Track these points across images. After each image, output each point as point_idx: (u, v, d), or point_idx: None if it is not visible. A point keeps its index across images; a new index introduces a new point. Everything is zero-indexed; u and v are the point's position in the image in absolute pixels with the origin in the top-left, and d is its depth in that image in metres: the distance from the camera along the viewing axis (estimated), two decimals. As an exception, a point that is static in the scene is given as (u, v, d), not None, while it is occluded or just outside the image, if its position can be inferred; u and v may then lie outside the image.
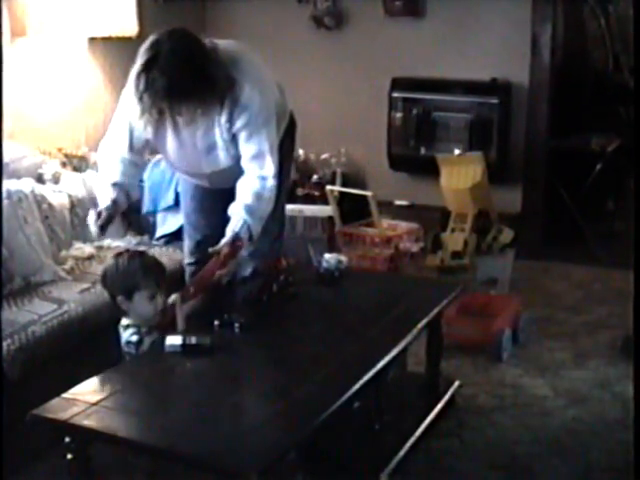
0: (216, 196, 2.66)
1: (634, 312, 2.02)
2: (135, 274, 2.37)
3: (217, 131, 2.45)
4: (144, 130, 2.39)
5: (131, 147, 2.50)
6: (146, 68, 2.22)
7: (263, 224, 2.51)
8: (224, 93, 2.35)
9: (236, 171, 2.54)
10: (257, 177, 2.48)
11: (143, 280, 2.36)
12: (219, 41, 2.44)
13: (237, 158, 2.53)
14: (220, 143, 2.49)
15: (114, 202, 2.45)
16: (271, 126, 2.49)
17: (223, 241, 2.41)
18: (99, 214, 2.42)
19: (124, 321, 2.38)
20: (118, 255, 2.46)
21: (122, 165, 2.51)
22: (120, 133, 2.51)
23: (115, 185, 2.48)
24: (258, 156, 2.47)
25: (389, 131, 4.51)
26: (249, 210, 2.45)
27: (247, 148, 2.47)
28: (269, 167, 2.48)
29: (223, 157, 2.52)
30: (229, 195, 2.51)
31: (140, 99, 2.24)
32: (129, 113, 2.39)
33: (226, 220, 2.47)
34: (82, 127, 3.84)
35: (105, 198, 2.46)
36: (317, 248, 3.73)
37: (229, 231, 2.43)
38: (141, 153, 2.57)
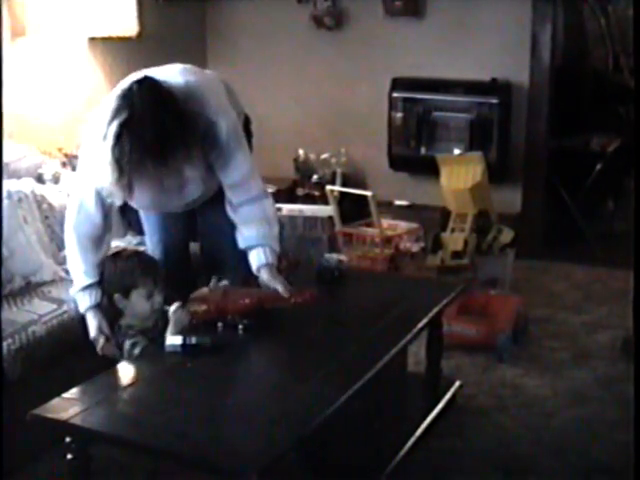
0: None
1: (634, 312, 2.02)
2: (133, 272, 2.37)
3: (187, 168, 2.26)
4: (117, 195, 2.22)
5: (104, 214, 2.37)
6: (122, 133, 2.04)
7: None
8: (198, 133, 2.21)
9: (209, 191, 2.49)
10: (249, 201, 2.40)
11: (140, 278, 2.36)
12: (162, 75, 2.28)
13: (208, 185, 2.45)
14: (193, 177, 2.36)
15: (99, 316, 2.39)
16: (244, 147, 2.39)
17: (268, 282, 2.34)
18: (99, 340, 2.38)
19: (122, 321, 2.39)
20: (115, 254, 2.46)
21: (96, 253, 2.40)
22: (89, 203, 2.34)
23: (92, 286, 2.39)
24: (242, 181, 2.38)
25: (389, 131, 4.51)
26: (263, 237, 2.39)
27: (228, 176, 2.37)
28: (256, 186, 2.42)
29: (195, 189, 2.43)
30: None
31: (121, 163, 2.05)
32: (95, 177, 2.22)
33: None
34: (82, 127, 3.84)
35: (90, 321, 2.40)
36: (317, 248, 3.75)
37: (258, 269, 2.37)
38: (110, 211, 2.42)
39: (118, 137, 2.05)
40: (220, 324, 2.29)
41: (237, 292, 2.36)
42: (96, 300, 2.41)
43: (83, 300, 2.42)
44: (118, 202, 2.34)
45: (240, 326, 2.27)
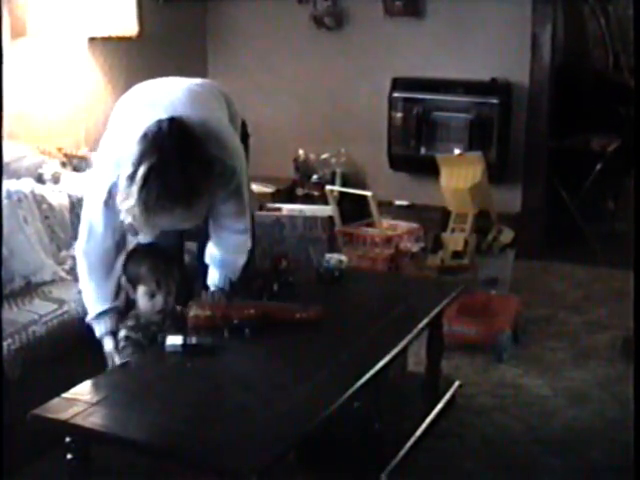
0: None
1: (634, 312, 2.02)
2: (139, 268, 2.40)
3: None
4: (146, 233, 2.27)
5: (113, 232, 2.36)
6: (150, 177, 2.05)
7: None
8: (218, 178, 2.24)
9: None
10: (236, 232, 2.47)
11: (145, 277, 2.39)
12: (180, 109, 2.26)
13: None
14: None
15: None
16: (245, 182, 2.42)
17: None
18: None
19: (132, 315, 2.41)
20: (134, 248, 2.47)
21: (108, 278, 2.41)
22: (97, 225, 2.34)
23: (107, 312, 2.42)
24: (238, 213, 2.44)
25: (389, 131, 4.51)
26: (232, 265, 2.50)
27: (227, 208, 2.40)
28: (247, 221, 2.48)
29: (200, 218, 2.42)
30: None
31: (147, 205, 2.06)
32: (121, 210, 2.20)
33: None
34: (82, 127, 3.84)
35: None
36: (317, 248, 3.75)
37: (213, 286, 2.49)
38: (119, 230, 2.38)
39: (145, 181, 2.06)
40: (226, 329, 2.28)
41: (241, 302, 2.37)
42: (112, 327, 2.42)
43: (98, 327, 2.44)
44: (144, 240, 2.38)
45: (246, 329, 2.27)
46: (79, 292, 2.73)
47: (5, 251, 2.69)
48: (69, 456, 1.90)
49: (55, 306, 2.62)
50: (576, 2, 4.96)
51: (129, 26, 3.94)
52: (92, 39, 3.82)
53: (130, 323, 2.41)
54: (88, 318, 2.46)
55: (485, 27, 4.34)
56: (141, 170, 2.06)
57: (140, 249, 2.47)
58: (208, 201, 2.19)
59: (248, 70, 4.76)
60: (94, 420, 1.87)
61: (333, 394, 1.97)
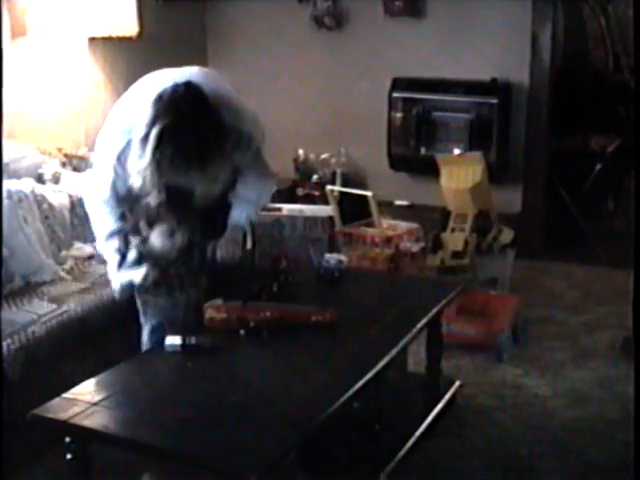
0: None
1: (634, 312, 2.02)
2: (159, 206, 2.33)
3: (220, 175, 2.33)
4: (153, 196, 2.26)
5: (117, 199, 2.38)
6: (164, 137, 2.07)
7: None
8: (233, 143, 2.26)
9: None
10: (261, 177, 2.50)
11: (166, 215, 2.34)
12: (196, 80, 2.27)
13: (220, 186, 2.45)
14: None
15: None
16: (261, 145, 2.47)
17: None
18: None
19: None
20: None
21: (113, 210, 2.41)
22: (105, 188, 2.36)
23: (118, 232, 2.42)
24: (261, 175, 2.49)
25: (389, 131, 4.51)
26: (254, 203, 2.51)
27: (247, 176, 2.45)
28: (270, 172, 2.54)
29: (217, 187, 2.43)
30: None
31: (160, 165, 2.09)
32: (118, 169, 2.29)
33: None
34: (82, 127, 3.84)
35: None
36: (317, 248, 3.74)
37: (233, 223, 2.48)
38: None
39: (159, 141, 2.07)
40: (243, 331, 2.28)
41: (257, 305, 2.37)
42: (121, 245, 2.40)
43: (109, 246, 2.41)
44: (153, 202, 2.33)
45: (264, 331, 2.27)
46: (79, 292, 2.75)
47: (5, 251, 2.69)
48: (69, 456, 1.90)
49: (54, 306, 2.62)
50: (576, 2, 4.96)
51: (129, 26, 3.94)
52: (92, 39, 3.82)
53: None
54: (100, 240, 2.43)
55: (485, 27, 4.33)
56: (155, 130, 2.07)
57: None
58: (222, 165, 2.20)
59: (248, 70, 4.76)
60: (94, 420, 1.87)
61: (333, 394, 1.97)
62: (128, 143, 2.21)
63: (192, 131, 2.09)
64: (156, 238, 2.39)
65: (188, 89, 2.15)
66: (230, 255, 2.50)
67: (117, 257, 2.40)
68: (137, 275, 2.38)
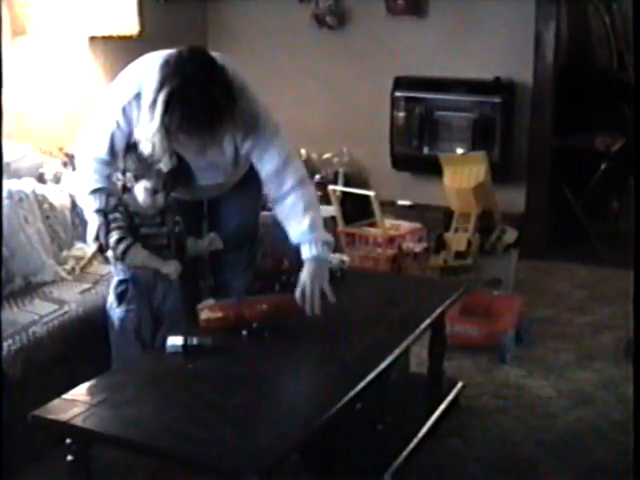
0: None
1: (634, 312, 2.00)
2: (149, 167, 2.34)
3: (220, 151, 2.36)
4: (165, 161, 2.28)
5: (111, 153, 2.42)
6: (172, 100, 2.07)
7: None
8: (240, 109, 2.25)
9: (224, 186, 2.54)
10: (284, 196, 2.38)
11: (152, 174, 2.35)
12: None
13: (228, 175, 2.50)
14: (222, 162, 2.43)
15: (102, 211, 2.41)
16: (280, 138, 2.40)
17: (302, 277, 2.32)
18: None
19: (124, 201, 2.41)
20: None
21: (102, 168, 2.44)
22: (102, 140, 2.40)
23: (101, 190, 2.43)
24: (276, 174, 2.38)
25: (392, 130, 4.50)
26: (314, 229, 2.36)
27: (263, 168, 2.39)
28: (291, 178, 2.37)
29: (216, 174, 2.48)
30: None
31: (170, 130, 2.10)
32: (119, 125, 2.32)
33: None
34: (83, 126, 3.83)
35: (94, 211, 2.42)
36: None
37: (309, 259, 2.36)
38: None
39: (167, 105, 2.07)
40: (244, 332, 2.27)
41: (251, 299, 2.36)
42: (101, 205, 2.41)
43: (90, 203, 2.42)
44: (165, 168, 2.33)
45: (266, 332, 2.26)
46: (80, 292, 2.74)
47: (6, 251, 2.68)
48: (69, 457, 1.89)
49: (55, 307, 2.61)
50: (580, 0, 4.95)
51: (130, 25, 3.94)
52: (93, 38, 3.81)
53: (120, 209, 2.40)
54: (81, 196, 2.45)
55: (488, 26, 4.32)
56: (162, 95, 2.07)
57: None
58: (231, 129, 2.20)
59: (249, 69, 4.71)
60: (94, 421, 1.85)
61: (336, 395, 1.95)
62: (134, 97, 2.23)
63: (200, 92, 2.08)
64: (139, 192, 2.39)
65: (194, 52, 2.16)
66: (312, 291, 2.34)
67: (97, 218, 2.40)
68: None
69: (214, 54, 2.30)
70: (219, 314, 2.29)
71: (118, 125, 2.34)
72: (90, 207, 2.44)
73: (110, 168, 2.45)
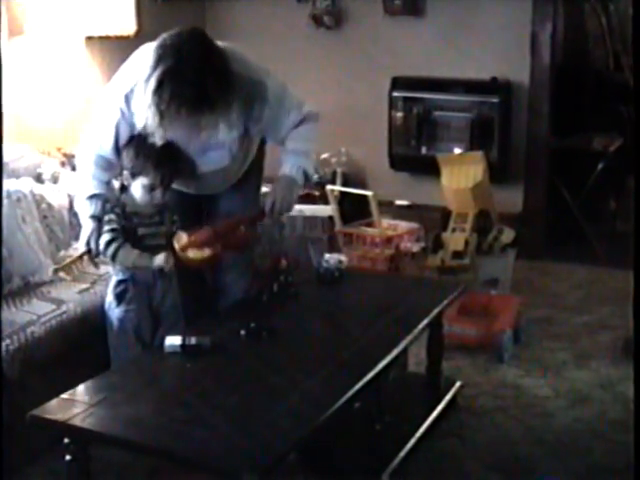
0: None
1: (634, 312, 2.00)
2: (146, 161, 2.37)
3: (223, 129, 2.37)
4: (157, 135, 2.31)
5: (116, 149, 2.44)
6: (164, 80, 2.11)
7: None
8: (238, 91, 2.28)
9: (229, 173, 2.54)
10: (301, 122, 2.54)
11: (149, 169, 2.37)
12: None
13: (234, 158, 2.52)
14: (225, 141, 2.45)
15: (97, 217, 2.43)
16: (292, 98, 2.52)
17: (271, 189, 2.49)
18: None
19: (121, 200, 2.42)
20: (140, 136, 2.40)
21: (102, 174, 2.47)
22: (107, 133, 2.42)
23: (97, 197, 2.45)
24: (296, 120, 2.53)
25: (389, 130, 4.50)
26: (302, 153, 2.54)
27: (278, 133, 2.52)
28: (306, 111, 2.57)
29: (221, 156, 2.50)
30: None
31: (160, 108, 2.14)
32: (122, 114, 2.35)
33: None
34: (80, 126, 3.82)
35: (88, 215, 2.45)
36: (317, 248, 3.73)
37: (284, 177, 2.52)
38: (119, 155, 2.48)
39: (160, 84, 2.11)
40: (242, 331, 2.27)
41: (221, 224, 2.43)
42: (96, 211, 2.43)
43: (85, 209, 2.45)
44: (159, 142, 2.36)
45: (264, 332, 2.27)
46: (78, 292, 2.74)
47: (4, 251, 2.68)
48: (68, 457, 1.89)
49: (54, 306, 2.61)
50: (576, 1, 4.95)
51: (127, 25, 3.94)
52: (89, 38, 3.81)
53: (117, 210, 2.41)
54: (78, 201, 2.48)
55: (485, 26, 4.32)
56: (157, 73, 2.11)
57: (146, 140, 2.40)
58: (225, 114, 2.23)
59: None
60: (93, 421, 1.86)
61: (334, 395, 1.96)
62: (136, 84, 2.24)
63: (193, 75, 2.11)
64: (136, 189, 2.40)
65: (193, 33, 2.20)
66: (281, 206, 2.51)
67: (91, 223, 2.42)
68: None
69: (224, 44, 2.32)
70: (207, 251, 2.35)
71: (122, 114, 2.35)
72: (85, 212, 2.46)
73: (110, 174, 2.46)
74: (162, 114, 2.15)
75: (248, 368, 2.19)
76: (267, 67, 2.47)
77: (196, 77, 2.12)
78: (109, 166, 2.46)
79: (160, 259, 2.40)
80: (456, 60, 4.38)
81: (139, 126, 2.28)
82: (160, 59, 2.13)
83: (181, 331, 2.26)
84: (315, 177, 4.54)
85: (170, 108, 2.13)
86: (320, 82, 4.71)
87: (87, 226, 2.44)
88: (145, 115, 2.18)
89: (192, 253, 2.37)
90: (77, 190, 2.52)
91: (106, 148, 2.43)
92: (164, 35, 2.20)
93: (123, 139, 2.40)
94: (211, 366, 2.14)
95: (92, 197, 2.45)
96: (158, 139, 2.33)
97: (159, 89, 2.11)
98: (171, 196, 2.53)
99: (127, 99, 2.33)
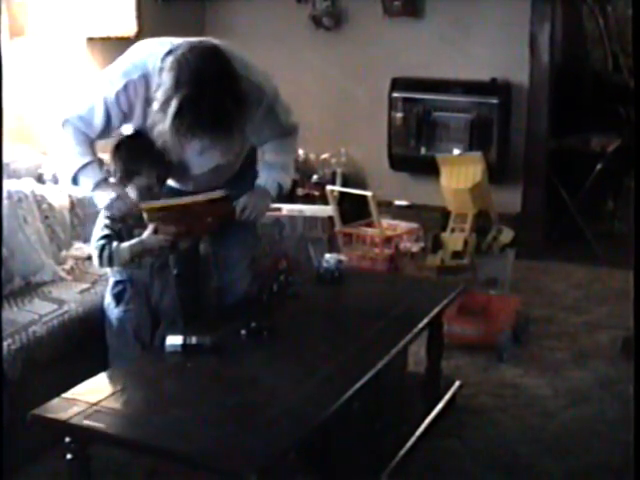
0: None
1: (634, 312, 2.01)
2: (141, 159, 2.36)
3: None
4: (174, 152, 2.34)
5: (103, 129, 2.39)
6: (187, 103, 2.10)
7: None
8: (249, 104, 2.27)
9: (225, 169, 2.55)
10: (280, 135, 2.57)
11: (146, 168, 2.36)
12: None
13: (231, 154, 2.52)
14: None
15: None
16: (279, 98, 2.51)
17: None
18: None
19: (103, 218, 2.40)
20: (135, 135, 2.40)
21: (84, 138, 2.42)
22: (97, 116, 2.37)
23: (92, 163, 2.39)
24: (278, 128, 2.54)
25: (389, 131, 4.51)
26: (280, 166, 2.58)
27: (262, 135, 2.52)
28: (289, 124, 2.60)
29: (218, 155, 2.47)
30: None
31: (180, 133, 2.14)
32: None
33: None
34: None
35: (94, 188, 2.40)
36: (317, 248, 3.74)
37: (259, 187, 2.57)
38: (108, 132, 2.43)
39: (180, 109, 2.11)
40: (243, 331, 2.28)
41: (187, 199, 2.44)
42: (99, 176, 2.38)
43: (86, 180, 2.38)
44: (175, 158, 2.40)
45: (265, 331, 2.27)
46: (79, 292, 2.74)
47: (5, 251, 2.69)
48: (69, 456, 1.89)
49: (55, 306, 2.62)
50: (575, 2, 4.96)
51: (128, 26, 3.94)
52: (90, 39, 3.81)
53: (111, 214, 2.39)
54: (68, 177, 2.40)
55: (484, 27, 4.34)
56: (175, 101, 2.11)
57: (139, 140, 2.38)
58: (239, 137, 2.26)
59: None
60: (93, 420, 1.86)
61: (333, 394, 1.97)
62: (140, 77, 2.27)
63: (213, 104, 2.11)
64: (133, 191, 2.39)
65: (209, 52, 2.18)
66: (251, 213, 2.53)
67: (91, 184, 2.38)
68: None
69: (222, 45, 2.30)
70: (182, 228, 2.38)
71: (117, 97, 2.31)
72: (88, 184, 2.38)
73: (91, 131, 2.38)
74: (181, 137, 2.17)
75: (248, 368, 2.20)
76: (265, 70, 2.47)
77: (215, 103, 2.11)
78: (91, 127, 2.38)
79: (149, 236, 2.37)
80: (455, 61, 4.39)
81: (157, 144, 2.28)
82: (179, 83, 2.12)
83: (180, 329, 2.27)
84: (315, 177, 4.57)
85: (189, 132, 2.15)
86: (319, 83, 4.73)
87: (100, 198, 2.38)
88: (164, 138, 2.20)
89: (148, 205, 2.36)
90: (65, 168, 2.42)
91: (89, 116, 2.37)
92: (178, 51, 2.17)
93: (113, 114, 2.35)
94: (211, 366, 2.15)
95: (85, 166, 2.37)
96: (174, 156, 2.38)
97: (179, 115, 2.11)
98: (167, 193, 2.53)
99: (126, 87, 2.31)
